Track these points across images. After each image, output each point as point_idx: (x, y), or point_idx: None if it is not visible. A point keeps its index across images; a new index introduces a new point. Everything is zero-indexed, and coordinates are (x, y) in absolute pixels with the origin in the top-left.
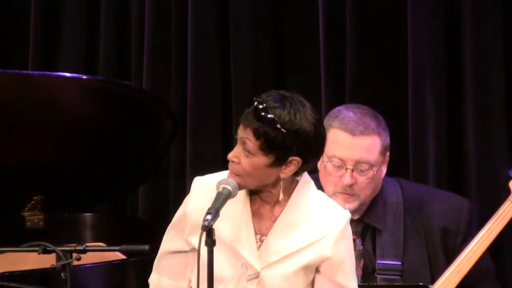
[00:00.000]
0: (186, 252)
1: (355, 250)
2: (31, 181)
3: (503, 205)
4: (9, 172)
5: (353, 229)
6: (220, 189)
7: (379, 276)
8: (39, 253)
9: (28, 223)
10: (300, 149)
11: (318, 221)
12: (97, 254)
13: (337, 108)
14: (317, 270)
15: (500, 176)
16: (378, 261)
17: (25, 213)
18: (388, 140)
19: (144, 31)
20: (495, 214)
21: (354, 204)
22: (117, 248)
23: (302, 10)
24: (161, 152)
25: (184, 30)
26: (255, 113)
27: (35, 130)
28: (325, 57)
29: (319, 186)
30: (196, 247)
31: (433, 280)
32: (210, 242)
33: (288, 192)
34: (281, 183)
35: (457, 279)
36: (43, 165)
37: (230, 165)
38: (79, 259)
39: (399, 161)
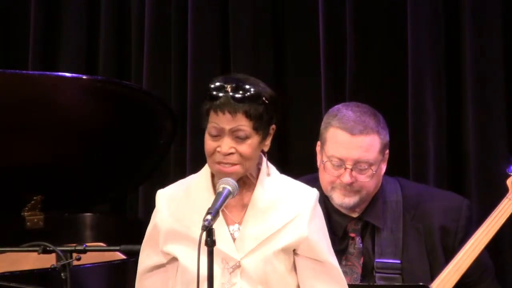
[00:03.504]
0: (164, 265)
1: (354, 248)
2: (31, 181)
3: (501, 203)
4: (9, 172)
5: (352, 227)
6: (220, 189)
7: (377, 275)
8: (39, 253)
9: (28, 223)
10: (276, 116)
11: (288, 202)
12: (97, 254)
13: (336, 106)
14: (295, 253)
15: (500, 176)
16: (376, 260)
17: (25, 213)
18: (387, 138)
19: (144, 31)
20: (494, 211)
21: (355, 199)
22: (117, 248)
23: (302, 10)
24: (161, 152)
25: (184, 30)
26: (236, 97)
27: (35, 130)
28: (325, 57)
29: (318, 187)
30: (175, 254)
31: (432, 279)
32: (210, 242)
33: (254, 178)
34: (264, 157)
35: (456, 277)
36: (43, 165)
37: (224, 158)
38: (79, 259)
39: (399, 161)
